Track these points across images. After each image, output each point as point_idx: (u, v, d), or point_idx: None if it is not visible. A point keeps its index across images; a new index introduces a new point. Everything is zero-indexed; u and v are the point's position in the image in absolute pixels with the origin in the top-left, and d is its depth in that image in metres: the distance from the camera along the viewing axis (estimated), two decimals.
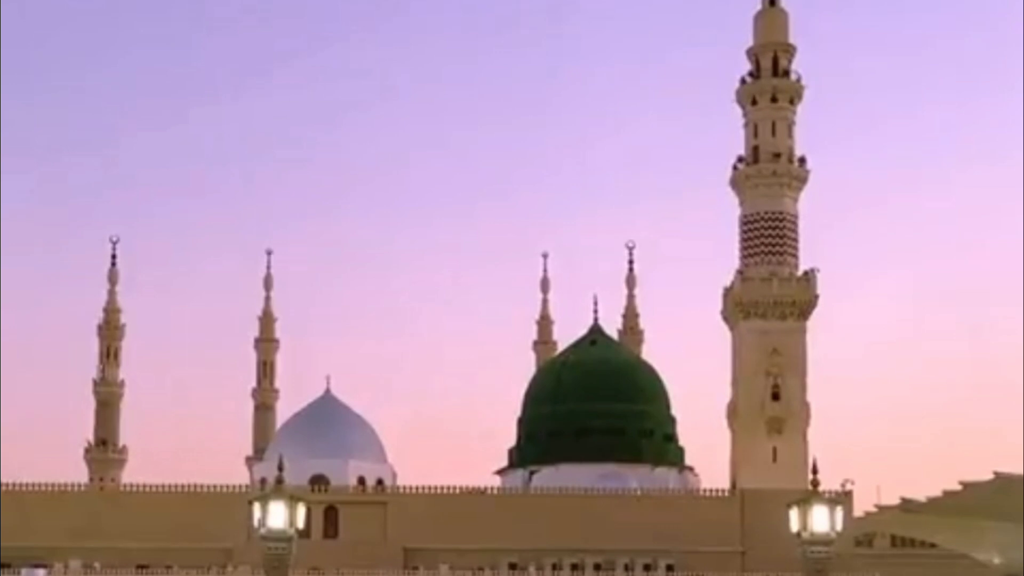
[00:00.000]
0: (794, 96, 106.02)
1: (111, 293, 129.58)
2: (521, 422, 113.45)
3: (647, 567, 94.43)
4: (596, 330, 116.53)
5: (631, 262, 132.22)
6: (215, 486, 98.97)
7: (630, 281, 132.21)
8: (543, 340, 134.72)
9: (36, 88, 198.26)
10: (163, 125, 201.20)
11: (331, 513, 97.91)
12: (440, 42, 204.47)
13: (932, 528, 65.94)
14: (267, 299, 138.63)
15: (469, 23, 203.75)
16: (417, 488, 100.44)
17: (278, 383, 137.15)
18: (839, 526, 38.33)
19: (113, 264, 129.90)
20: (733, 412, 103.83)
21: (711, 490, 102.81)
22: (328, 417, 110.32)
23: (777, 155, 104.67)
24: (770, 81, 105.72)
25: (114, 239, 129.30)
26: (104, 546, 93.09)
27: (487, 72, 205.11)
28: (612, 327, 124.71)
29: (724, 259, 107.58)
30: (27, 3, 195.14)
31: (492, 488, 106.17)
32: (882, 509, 71.05)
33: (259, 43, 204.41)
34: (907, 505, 58.84)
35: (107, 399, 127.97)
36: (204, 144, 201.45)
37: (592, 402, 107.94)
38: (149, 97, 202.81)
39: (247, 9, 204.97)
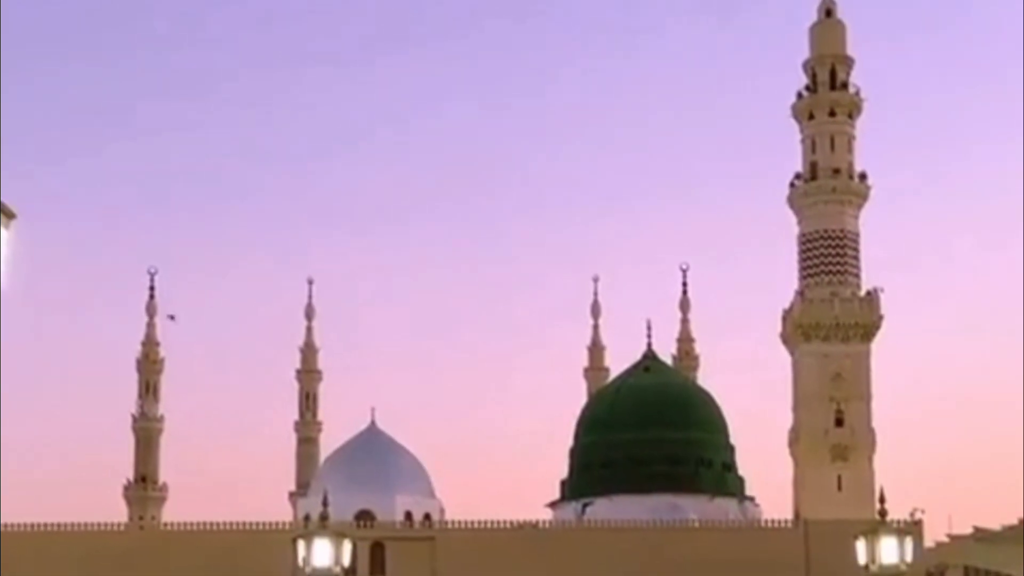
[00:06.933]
0: (853, 110, 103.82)
1: (149, 326, 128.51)
2: (573, 452, 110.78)
3: None
4: (650, 356, 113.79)
5: (685, 285, 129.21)
6: (258, 523, 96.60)
7: (684, 305, 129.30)
8: (595, 367, 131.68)
9: (76, 113, 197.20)
10: (202, 154, 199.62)
11: (377, 550, 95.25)
12: (486, 66, 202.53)
13: (1008, 558, 63.65)
14: (309, 329, 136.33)
15: (518, 51, 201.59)
16: (466, 523, 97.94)
17: (321, 416, 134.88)
18: (909, 557, 37.35)
19: (151, 297, 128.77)
20: (795, 439, 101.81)
21: (773, 521, 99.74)
22: (373, 450, 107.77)
23: (836, 171, 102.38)
24: (827, 95, 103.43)
25: (152, 271, 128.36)
26: None
27: (537, 94, 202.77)
28: (666, 353, 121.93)
29: (782, 280, 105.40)
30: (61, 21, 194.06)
31: (544, 522, 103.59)
32: (954, 539, 68.82)
33: (297, 64, 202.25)
34: (981, 535, 56.47)
35: (146, 435, 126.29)
36: (244, 172, 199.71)
37: (647, 431, 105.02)
38: (188, 126, 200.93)
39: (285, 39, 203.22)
